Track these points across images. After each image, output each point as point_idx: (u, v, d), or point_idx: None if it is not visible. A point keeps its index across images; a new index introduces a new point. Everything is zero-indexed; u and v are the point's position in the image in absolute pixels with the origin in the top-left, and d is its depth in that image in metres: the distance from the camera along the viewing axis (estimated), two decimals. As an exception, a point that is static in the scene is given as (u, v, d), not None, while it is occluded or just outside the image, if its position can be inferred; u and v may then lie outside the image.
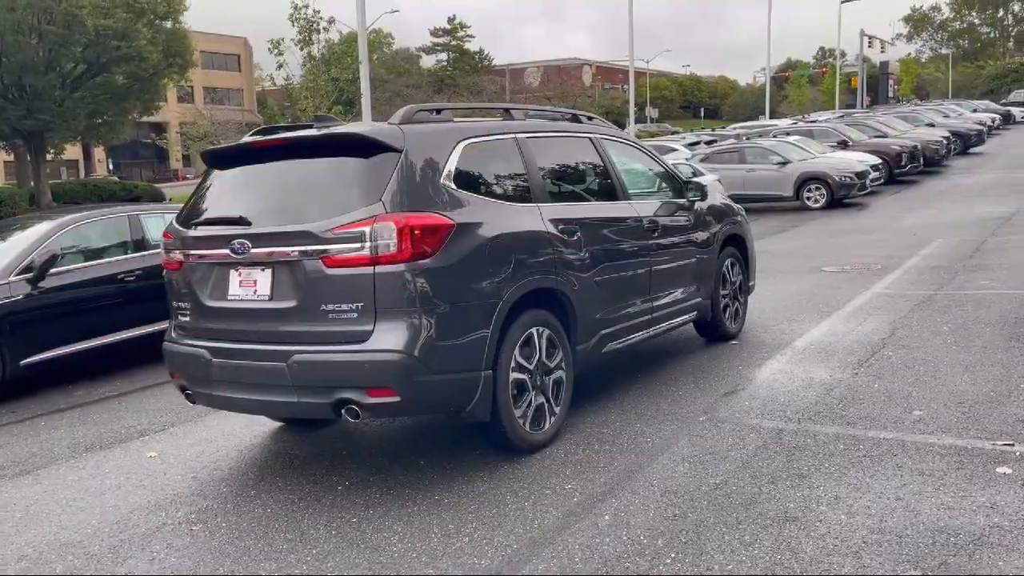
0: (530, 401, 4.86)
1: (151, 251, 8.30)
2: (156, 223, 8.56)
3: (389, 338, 4.20)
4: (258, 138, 5.00)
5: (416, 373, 4.22)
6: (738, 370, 6.36)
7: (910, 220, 15.58)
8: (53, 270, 7.51)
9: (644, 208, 6.15)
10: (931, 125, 31.22)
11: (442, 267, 4.32)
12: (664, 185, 6.68)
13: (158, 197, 29.45)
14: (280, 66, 18.59)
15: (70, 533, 4.34)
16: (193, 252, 4.80)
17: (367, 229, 4.19)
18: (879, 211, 17.80)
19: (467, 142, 4.85)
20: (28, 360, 7.31)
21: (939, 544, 3.44)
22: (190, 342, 4.84)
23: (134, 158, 68.64)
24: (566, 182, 5.70)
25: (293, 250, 4.34)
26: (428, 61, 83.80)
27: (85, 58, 25.94)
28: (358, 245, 4.20)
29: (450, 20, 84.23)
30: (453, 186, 4.60)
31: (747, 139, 23.73)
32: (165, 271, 5.07)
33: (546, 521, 3.99)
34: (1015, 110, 47.37)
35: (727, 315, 7.27)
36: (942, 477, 4.10)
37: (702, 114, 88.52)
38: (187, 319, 4.89)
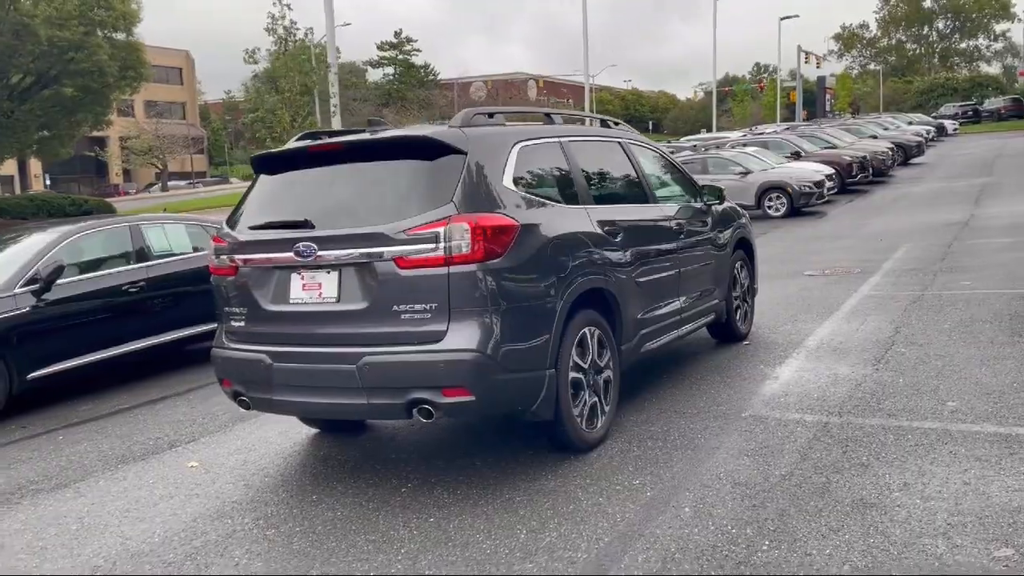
0: (584, 400, 4.93)
1: (154, 262, 8.18)
2: (157, 233, 8.45)
3: (464, 337, 4.24)
4: (318, 141, 4.99)
5: (490, 372, 4.27)
6: (761, 369, 6.52)
7: (871, 227, 16.09)
8: (59, 281, 7.32)
9: (671, 210, 6.30)
10: (874, 137, 32.24)
11: (510, 267, 4.38)
12: (683, 188, 6.84)
13: (110, 212, 28.74)
14: (255, 75, 18.38)
15: (137, 543, 4.26)
16: (250, 256, 4.76)
17: (441, 230, 4.23)
18: (838, 219, 18.33)
19: (521, 145, 4.92)
20: (35, 374, 7.11)
21: (1020, 524, 3.61)
22: (246, 347, 4.80)
23: (72, 173, 66.79)
24: (605, 184, 5.81)
25: (364, 252, 4.35)
26: (375, 75, 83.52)
27: (35, 70, 25.24)
28: (432, 246, 4.23)
29: (396, 34, 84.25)
30: (513, 188, 4.67)
31: (704, 150, 24.19)
32: (215, 276, 5.02)
33: (627, 515, 4.06)
34: (947, 123, 49.19)
35: (738, 316, 7.46)
36: (998, 462, 4.30)
37: (650, 127, 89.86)
38: (241, 324, 4.85)
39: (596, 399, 5.03)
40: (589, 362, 4.96)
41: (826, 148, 26.17)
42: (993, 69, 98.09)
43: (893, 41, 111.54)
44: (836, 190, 22.21)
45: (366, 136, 4.86)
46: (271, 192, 5.00)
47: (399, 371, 4.30)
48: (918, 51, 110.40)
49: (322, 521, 4.32)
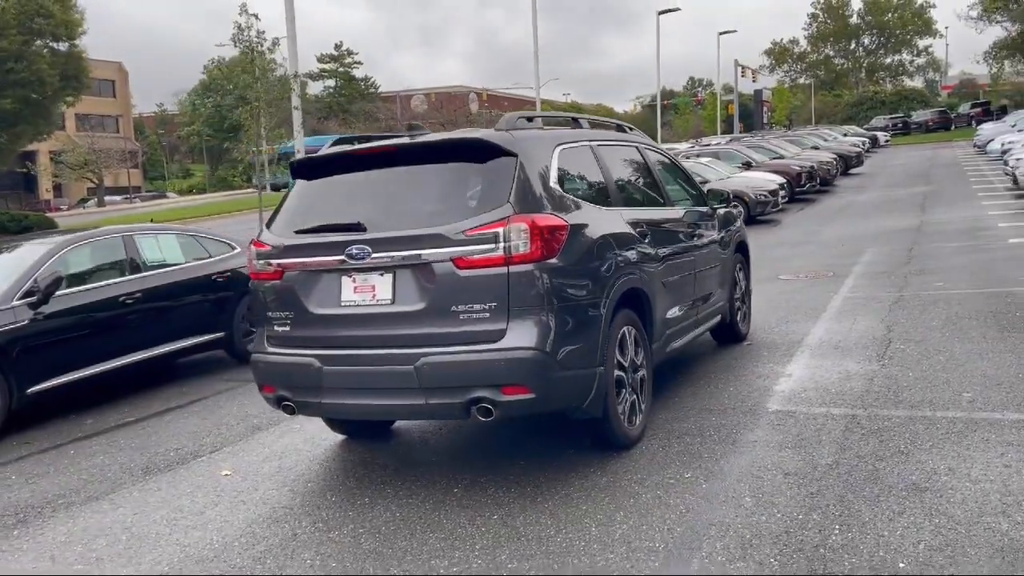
0: (625, 397, 5.03)
1: (149, 272, 8.03)
2: (150, 244, 8.30)
3: (523, 336, 4.31)
4: (366, 144, 5.01)
5: (549, 370, 4.34)
6: (771, 367, 6.72)
7: (827, 233, 16.59)
8: (56, 293, 7.14)
9: (684, 213, 6.46)
10: (816, 148, 33.21)
11: (564, 267, 4.47)
12: (690, 191, 7.02)
13: (52, 228, 27.89)
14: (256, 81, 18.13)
15: (197, 549, 4.21)
16: (297, 260, 4.75)
17: (501, 230, 4.30)
18: (794, 226, 18.84)
19: (561, 148, 5.03)
20: (35, 388, 6.91)
21: (1071, 499, 3.83)
22: (293, 352, 4.77)
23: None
24: (630, 187, 5.94)
25: (422, 253, 4.39)
26: (315, 87, 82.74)
27: (-31, 81, 24.44)
28: (492, 246, 4.29)
29: (337, 46, 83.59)
30: (559, 189, 4.76)
31: None
32: (255, 282, 4.98)
33: (689, 506, 4.17)
34: (879, 134, 50.90)
35: (739, 317, 7.66)
36: (1030, 446, 4.53)
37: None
38: (286, 329, 4.82)
39: (635, 397, 5.14)
40: (628, 360, 5.06)
41: (775, 159, 26.88)
42: (916, 83, 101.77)
43: (822, 56, 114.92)
44: (787, 199, 22.84)
45: (416, 139, 4.90)
46: (315, 196, 5.00)
47: (458, 371, 4.34)
48: (846, 66, 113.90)
49: (383, 522, 4.33)
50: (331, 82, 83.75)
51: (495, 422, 4.44)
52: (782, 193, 21.51)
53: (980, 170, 29.41)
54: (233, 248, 9.07)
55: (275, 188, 24.15)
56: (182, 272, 8.34)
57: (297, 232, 4.83)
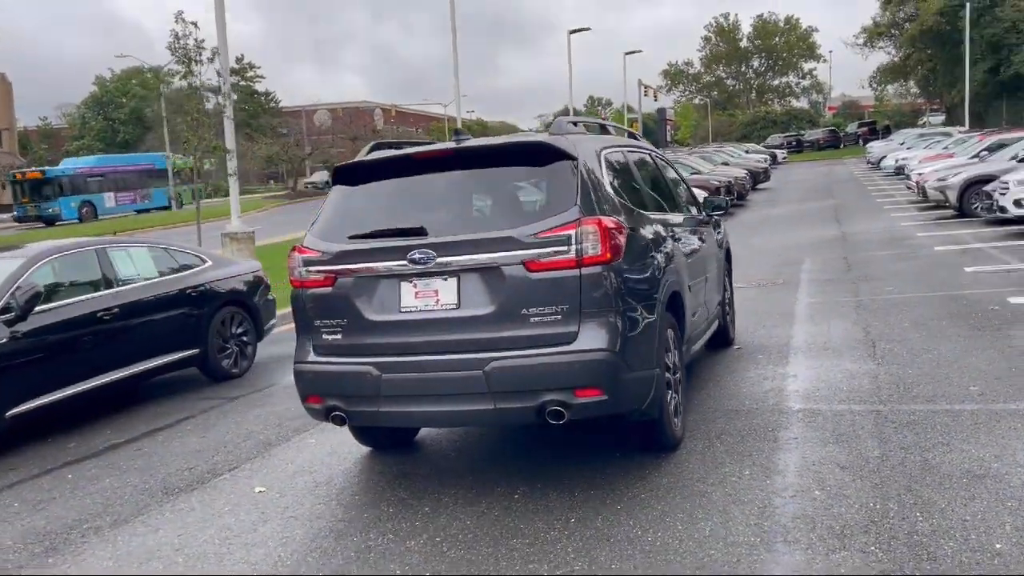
0: (671, 399, 5.10)
1: (123, 287, 7.65)
2: (123, 257, 7.91)
3: (596, 338, 4.32)
4: (424, 148, 4.94)
5: (620, 371, 4.37)
6: (772, 369, 6.91)
7: (758, 244, 17.18)
8: (35, 309, 6.73)
9: (691, 218, 6.61)
10: (726, 164, 34.39)
11: (627, 269, 4.51)
12: (689, 198, 7.18)
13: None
14: (161, 95, 17.48)
15: (268, 566, 4.05)
16: (353, 266, 4.62)
17: (573, 232, 4.31)
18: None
19: (605, 152, 5.08)
20: (15, 411, 6.48)
21: (1121, 478, 4.10)
22: (346, 360, 4.64)
23: None
24: (654, 192, 6.03)
25: (491, 256, 4.35)
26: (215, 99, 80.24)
27: None
28: (564, 248, 4.30)
29: (238, 59, 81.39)
30: (611, 192, 4.81)
31: None
32: (300, 290, 4.82)
33: (764, 501, 4.25)
34: (777, 152, 53.10)
35: (728, 321, 7.87)
36: (1057, 432, 4.82)
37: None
38: (337, 337, 4.69)
39: (677, 398, 5.21)
40: (672, 362, 5.14)
41: (693, 174, 27.66)
42: (802, 104, 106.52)
43: (715, 78, 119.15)
44: (710, 212, 23.55)
45: (482, 142, 4.88)
46: (363, 202, 4.90)
47: (531, 374, 4.31)
48: (737, 87, 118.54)
49: (457, 530, 4.25)
50: (233, 95, 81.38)
51: (565, 425, 4.41)
52: (708, 206, 22.16)
53: (878, 185, 31.06)
54: (204, 261, 8.75)
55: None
56: (158, 286, 7.98)
57: (351, 238, 4.71)
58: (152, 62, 44.44)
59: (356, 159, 5.08)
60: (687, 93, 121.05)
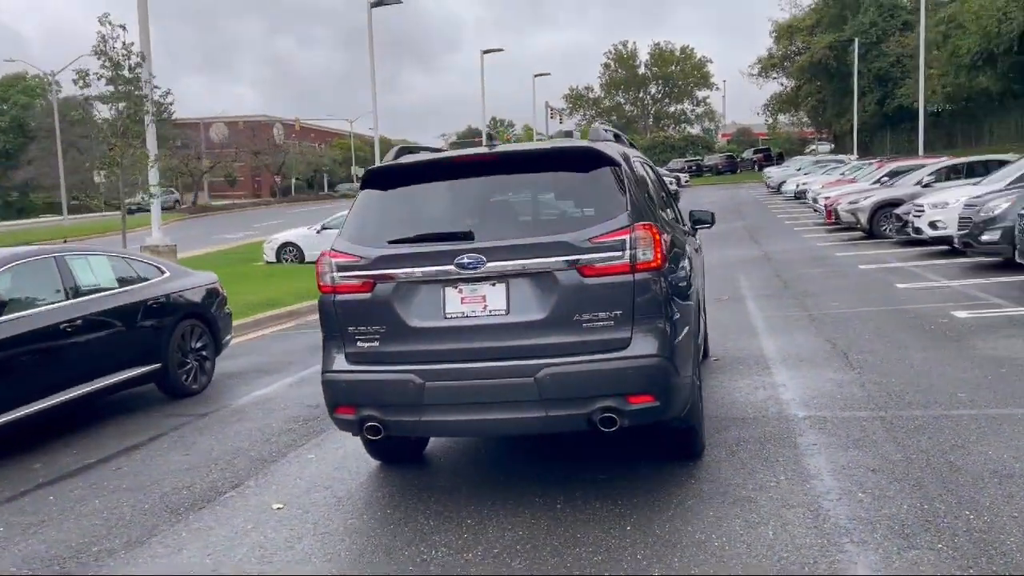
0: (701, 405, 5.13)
1: (85, 297, 7.20)
2: (82, 266, 7.44)
3: (649, 344, 4.31)
4: (465, 152, 4.83)
5: (671, 377, 4.37)
6: (758, 379, 7.06)
7: (687, 263, 17.61)
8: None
9: (687, 230, 6.71)
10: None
11: (671, 274, 4.54)
12: (676, 208, 7.29)
13: None
14: (86, 98, 16.54)
15: (325, 585, 3.84)
16: (395, 271, 4.47)
17: (627, 238, 4.30)
18: (649, 257, 19.82)
19: (634, 160, 5.10)
20: (-23, 428, 5.99)
21: None
22: (385, 368, 4.48)
23: None
24: (664, 200, 6.08)
25: (547, 262, 4.29)
26: (105, 110, 76.92)
27: None
28: (619, 254, 4.28)
29: (131, 68, 78.40)
30: (647, 199, 4.83)
31: None
32: (332, 295, 4.63)
33: (813, 504, 4.30)
34: (680, 175, 54.76)
35: (704, 333, 8.00)
36: (1060, 434, 5.09)
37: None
38: (374, 344, 4.52)
39: (701, 404, 5.25)
40: (697, 370, 5.18)
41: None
42: (695, 130, 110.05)
43: (614, 103, 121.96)
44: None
45: (527, 146, 4.82)
46: (402, 205, 4.76)
47: (584, 380, 4.26)
48: (636, 112, 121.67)
49: (513, 541, 4.15)
50: (122, 104, 78.22)
51: (616, 432, 4.37)
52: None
53: (782, 208, 32.41)
54: (163, 272, 8.33)
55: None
56: (119, 297, 7.54)
57: (393, 242, 4.56)
58: (36, 68, 42.37)
59: (385, 163, 4.94)
60: (587, 117, 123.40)
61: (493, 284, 4.39)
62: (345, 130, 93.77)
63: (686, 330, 4.63)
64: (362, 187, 4.91)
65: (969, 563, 3.57)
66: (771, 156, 63.80)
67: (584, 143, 4.72)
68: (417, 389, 4.38)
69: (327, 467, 5.55)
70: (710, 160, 68.74)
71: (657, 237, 4.37)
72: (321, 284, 4.68)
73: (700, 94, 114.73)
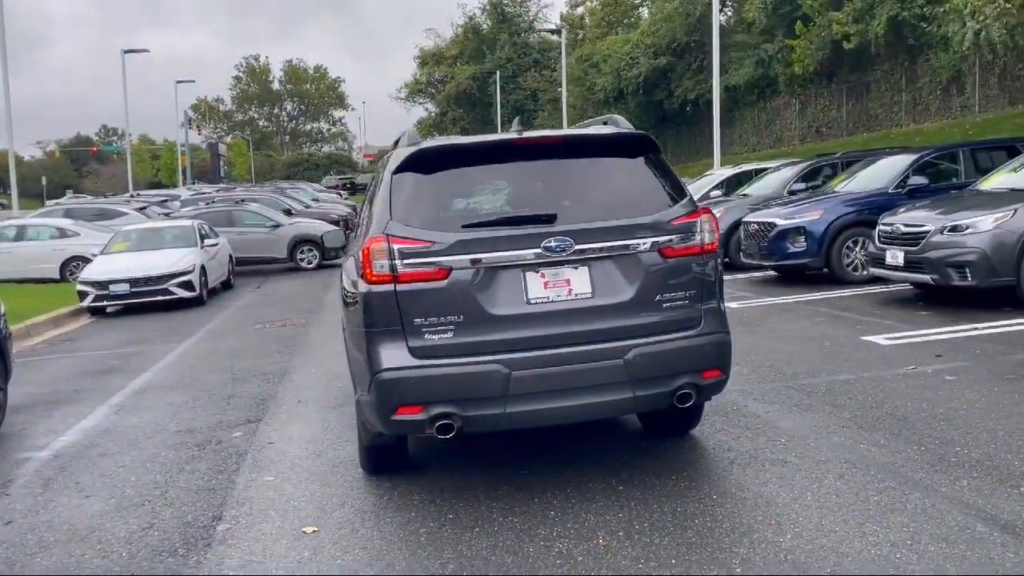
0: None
1: None
2: None
3: (716, 321, 4.54)
4: (529, 134, 4.58)
5: (731, 351, 4.63)
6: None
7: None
8: None
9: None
10: (316, 200, 34.68)
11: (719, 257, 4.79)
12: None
13: None
14: None
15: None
16: (477, 256, 4.16)
17: (698, 220, 4.48)
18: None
19: None
20: None
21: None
22: (465, 360, 4.15)
23: None
24: None
25: (632, 243, 4.31)
26: None
27: None
28: (692, 235, 4.45)
29: None
30: (673, 184, 5.01)
31: (210, 204, 23.32)
32: (389, 286, 4.15)
33: (854, 480, 4.46)
34: (333, 193, 54.60)
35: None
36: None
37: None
38: (448, 336, 4.16)
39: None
40: None
41: (306, 208, 27.51)
42: (331, 150, 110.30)
43: (247, 117, 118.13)
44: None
45: (576, 132, 4.71)
46: (457, 188, 4.46)
47: (669, 359, 4.35)
48: (271, 128, 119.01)
49: (610, 531, 4.04)
50: None
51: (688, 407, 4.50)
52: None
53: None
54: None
55: None
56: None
57: (467, 226, 4.24)
58: None
59: (425, 145, 4.54)
60: (218, 131, 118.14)
61: (575, 267, 4.30)
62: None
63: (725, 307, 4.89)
64: (396, 171, 4.47)
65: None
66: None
67: (632, 129, 4.80)
68: (503, 380, 4.14)
69: (309, 490, 4.91)
70: (363, 178, 69.51)
71: (716, 221, 4.61)
72: (374, 274, 4.19)
73: (337, 114, 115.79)
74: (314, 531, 4.26)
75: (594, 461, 5.03)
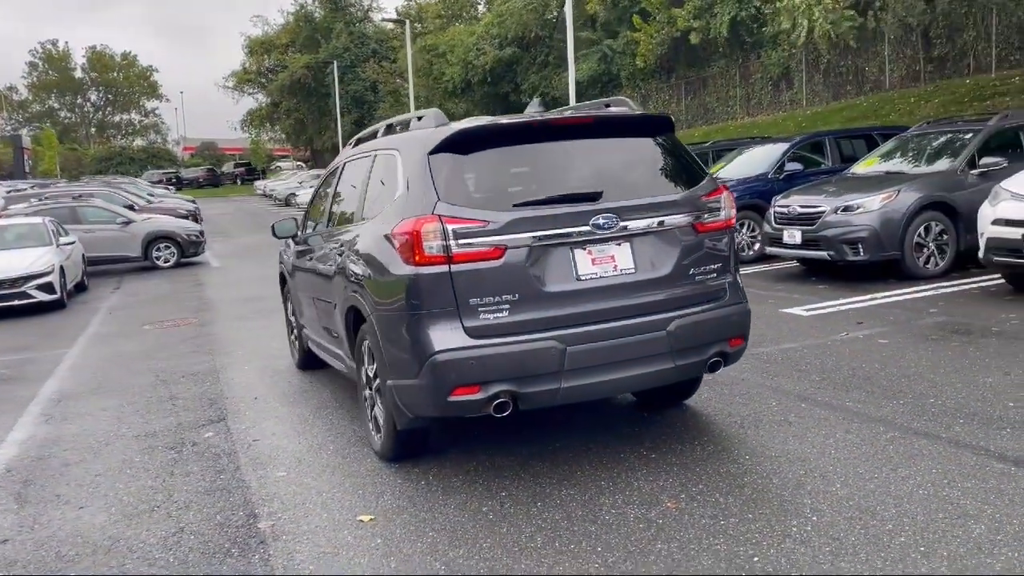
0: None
1: None
2: None
3: (738, 292, 4.83)
4: (560, 115, 4.62)
5: (751, 320, 4.92)
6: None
7: (271, 269, 17.32)
8: None
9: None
10: (151, 195, 32.68)
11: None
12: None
13: None
14: None
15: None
16: (533, 234, 4.20)
17: (722, 196, 4.73)
18: (234, 265, 18.88)
19: None
20: None
21: None
22: (521, 338, 4.18)
23: None
24: None
25: (671, 219, 4.49)
26: None
27: None
28: (719, 210, 4.70)
29: None
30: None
31: (74, 199, 21.27)
32: (446, 266, 4.12)
33: (887, 455, 4.83)
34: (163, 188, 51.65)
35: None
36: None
37: None
38: (502, 314, 4.18)
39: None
40: None
41: (148, 203, 25.90)
42: (144, 142, 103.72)
43: (46, 107, 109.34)
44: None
45: (610, 113, 4.81)
46: (499, 168, 4.47)
47: (704, 329, 4.57)
48: (74, 119, 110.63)
49: (673, 524, 4.18)
50: None
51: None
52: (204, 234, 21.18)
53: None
54: None
55: None
56: None
57: (517, 205, 4.25)
58: None
59: (460, 126, 4.49)
60: (13, 122, 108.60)
61: (619, 243, 4.42)
62: None
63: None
64: (434, 151, 4.40)
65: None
66: (254, 170, 63.76)
67: (646, 111, 4.96)
68: (559, 355, 4.21)
69: (352, 486, 4.76)
70: (191, 173, 65.98)
71: (732, 198, 4.87)
72: (425, 255, 4.13)
73: (149, 105, 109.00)
74: (371, 519, 4.16)
75: (611, 432, 5.19)
